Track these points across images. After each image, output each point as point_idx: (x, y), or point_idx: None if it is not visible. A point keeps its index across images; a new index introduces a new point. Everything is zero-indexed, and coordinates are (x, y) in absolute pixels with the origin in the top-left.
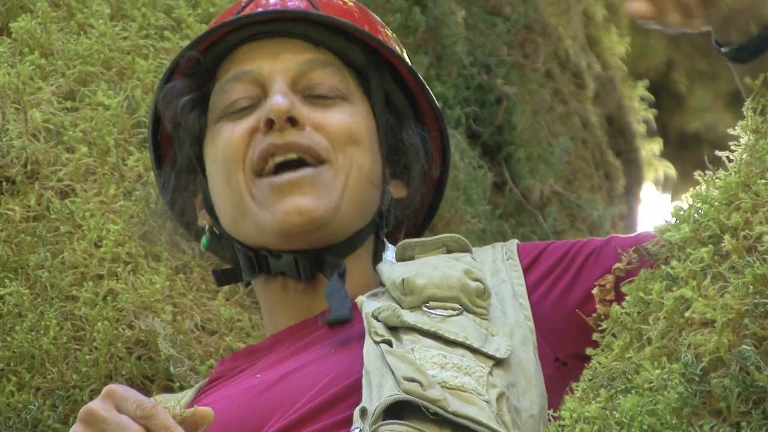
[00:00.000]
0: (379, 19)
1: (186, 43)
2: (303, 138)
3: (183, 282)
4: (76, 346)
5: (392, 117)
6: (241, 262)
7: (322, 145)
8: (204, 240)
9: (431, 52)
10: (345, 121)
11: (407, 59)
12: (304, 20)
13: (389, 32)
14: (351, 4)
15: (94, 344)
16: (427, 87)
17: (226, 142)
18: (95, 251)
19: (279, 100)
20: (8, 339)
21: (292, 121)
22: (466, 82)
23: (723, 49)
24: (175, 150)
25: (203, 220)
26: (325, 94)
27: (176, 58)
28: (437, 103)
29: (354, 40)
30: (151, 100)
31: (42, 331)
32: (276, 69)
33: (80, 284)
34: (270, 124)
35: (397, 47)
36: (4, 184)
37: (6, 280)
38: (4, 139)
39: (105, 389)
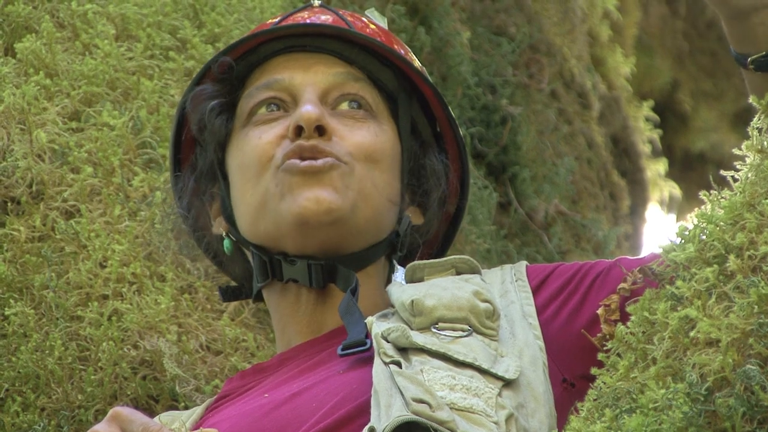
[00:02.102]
0: (405, 45)
1: (191, 63)
2: (328, 146)
3: (188, 302)
4: (81, 366)
5: (416, 144)
6: (254, 268)
7: (344, 151)
8: (227, 242)
9: (436, 73)
10: (369, 139)
11: (437, 88)
12: (339, 38)
13: (416, 60)
14: (376, 27)
15: (99, 364)
16: (454, 118)
17: (254, 147)
18: (100, 271)
19: (309, 108)
20: (13, 359)
21: (320, 131)
22: (471, 102)
23: (747, 59)
24: (196, 154)
25: (219, 228)
26: (354, 108)
27: (209, 62)
28: (461, 133)
29: (386, 63)
30: (164, 110)
31: (47, 351)
32: (308, 80)
33: (85, 304)
34: (298, 131)
35: (424, 75)
36: (9, 204)
37: (11, 300)
38: (9, 160)
39: (111, 412)
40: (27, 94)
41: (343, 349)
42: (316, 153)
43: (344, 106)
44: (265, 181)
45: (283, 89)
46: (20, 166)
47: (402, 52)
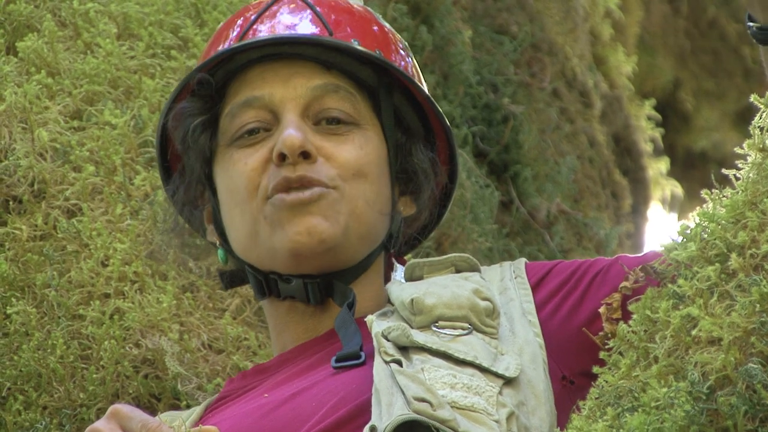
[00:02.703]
0: (389, 27)
1: (193, 62)
2: (314, 172)
3: (190, 301)
4: (83, 365)
5: (402, 136)
6: (251, 285)
7: (331, 176)
8: (221, 253)
9: (438, 71)
10: (355, 154)
11: (417, 76)
12: (315, 44)
13: (399, 43)
14: (361, 12)
15: (101, 363)
16: (435, 103)
17: (240, 173)
18: (102, 270)
19: (292, 133)
20: (15, 358)
21: (305, 155)
22: (473, 101)
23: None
24: (183, 165)
25: (212, 237)
26: (336, 119)
27: (186, 78)
28: (446, 119)
29: (365, 60)
30: (159, 118)
31: (49, 350)
32: (288, 96)
33: (87, 303)
34: (282, 157)
35: (408, 58)
36: (11, 203)
37: (13, 299)
38: (11, 159)
39: (110, 409)
40: (29, 93)
41: (337, 361)
42: (304, 183)
43: (324, 123)
44: (253, 209)
45: (264, 106)
46: (22, 165)
47: (387, 31)
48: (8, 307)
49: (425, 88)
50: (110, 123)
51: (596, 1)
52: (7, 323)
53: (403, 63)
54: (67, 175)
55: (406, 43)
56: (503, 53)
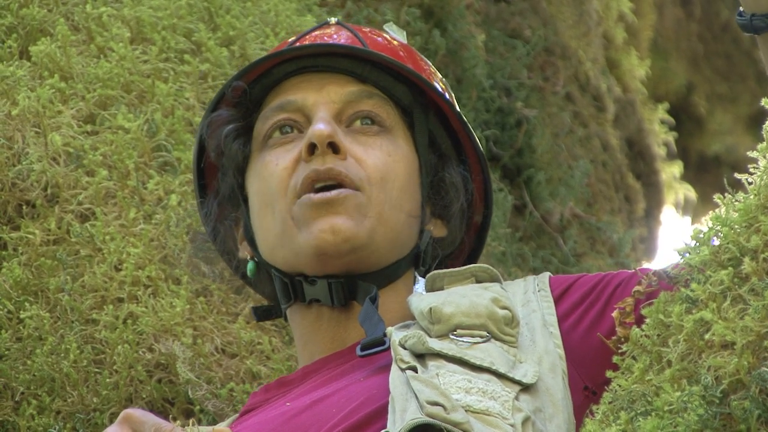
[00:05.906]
0: (425, 59)
1: (206, 66)
2: (342, 167)
3: (203, 305)
4: (97, 370)
5: (435, 157)
6: (277, 289)
7: (360, 176)
8: (251, 265)
9: (451, 75)
10: (383, 159)
11: (454, 101)
12: (351, 56)
13: (437, 73)
14: (396, 43)
15: (115, 367)
16: (472, 130)
17: (271, 173)
18: (115, 274)
19: (321, 126)
20: (29, 362)
21: (334, 148)
22: (486, 105)
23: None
24: (218, 179)
25: (244, 252)
26: (369, 118)
27: (223, 87)
28: (481, 148)
29: (401, 79)
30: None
31: (62, 355)
32: (321, 100)
33: (100, 307)
34: (311, 149)
35: (442, 86)
36: (24, 207)
37: (26, 304)
38: (24, 163)
39: (122, 413)
40: (42, 97)
41: (362, 349)
42: (332, 177)
43: (357, 123)
44: (283, 209)
45: (297, 110)
46: (35, 170)
47: (425, 66)
48: (21, 312)
49: (464, 117)
50: (123, 127)
51: (609, 5)
52: (21, 328)
53: (446, 95)
54: (80, 180)
55: (442, 78)
56: (516, 57)
